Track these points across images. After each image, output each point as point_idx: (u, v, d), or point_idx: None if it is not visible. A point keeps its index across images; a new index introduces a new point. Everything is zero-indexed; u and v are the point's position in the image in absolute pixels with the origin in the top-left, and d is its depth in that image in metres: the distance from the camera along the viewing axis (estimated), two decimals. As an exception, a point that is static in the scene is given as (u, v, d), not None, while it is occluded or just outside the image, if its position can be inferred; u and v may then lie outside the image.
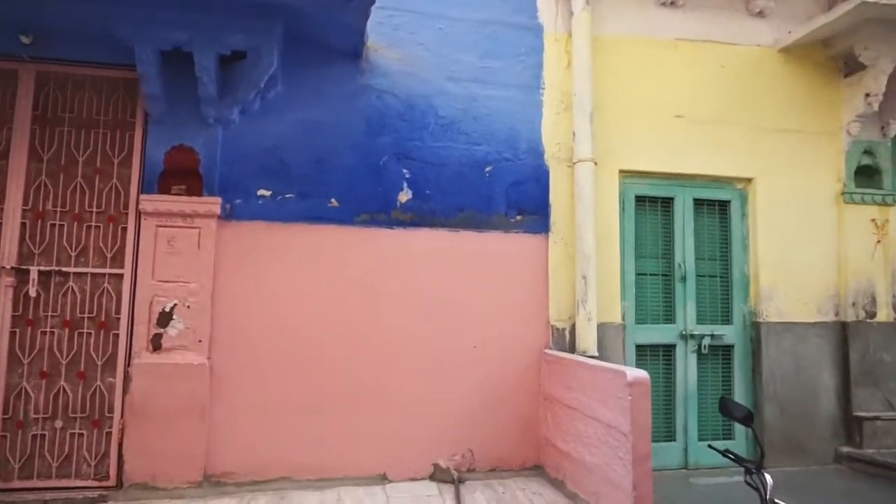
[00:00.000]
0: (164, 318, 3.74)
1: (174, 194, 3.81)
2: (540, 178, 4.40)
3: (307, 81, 4.07)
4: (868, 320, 4.71)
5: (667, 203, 4.67)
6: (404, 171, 4.17)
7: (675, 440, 4.50)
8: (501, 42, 4.41)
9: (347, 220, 4.07)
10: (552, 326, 4.32)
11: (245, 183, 3.94)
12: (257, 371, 3.87)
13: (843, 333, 4.72)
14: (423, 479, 4.04)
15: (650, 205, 4.65)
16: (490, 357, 4.21)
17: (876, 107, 4.65)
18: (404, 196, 4.16)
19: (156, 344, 3.72)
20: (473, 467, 4.12)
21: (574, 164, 4.35)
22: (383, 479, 3.98)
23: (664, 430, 4.48)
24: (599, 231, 4.30)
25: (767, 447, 4.47)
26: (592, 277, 4.21)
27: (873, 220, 4.79)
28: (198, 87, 3.60)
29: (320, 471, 3.89)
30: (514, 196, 4.35)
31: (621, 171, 4.51)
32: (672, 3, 4.64)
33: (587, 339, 4.19)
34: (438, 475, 4.03)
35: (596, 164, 4.30)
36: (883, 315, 4.75)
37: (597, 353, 4.16)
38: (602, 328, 4.27)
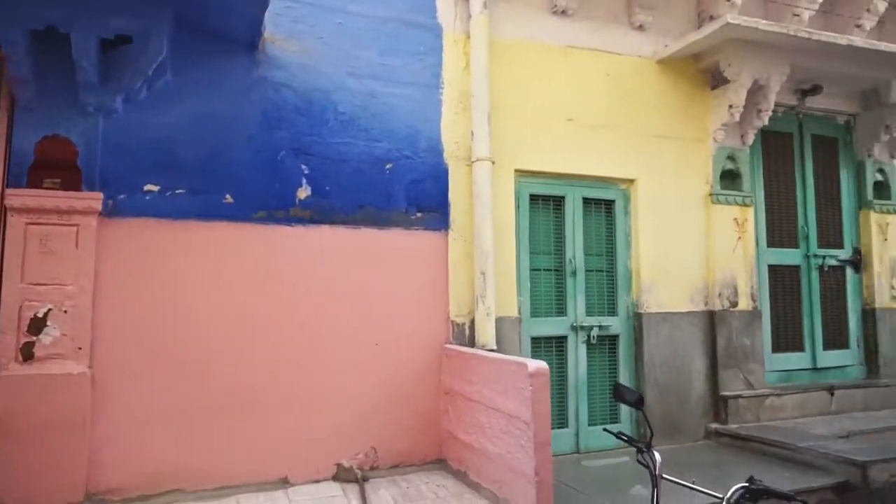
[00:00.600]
0: (37, 325, 3.40)
1: (47, 188, 3.47)
2: (439, 176, 4.46)
3: (200, 71, 3.86)
4: (731, 309, 5.22)
5: (558, 201, 4.90)
6: (303, 166, 4.07)
7: (567, 426, 4.74)
8: (402, 40, 4.42)
9: (244, 216, 3.91)
10: (452, 322, 4.41)
11: (130, 177, 3.67)
12: (146, 377, 3.62)
13: (710, 321, 5.19)
14: (326, 480, 3.98)
15: (543, 203, 4.87)
16: (392, 354, 4.22)
17: (737, 117, 5.15)
18: (303, 192, 4.07)
19: (27, 354, 3.37)
20: (377, 465, 4.12)
21: (472, 162, 4.45)
22: (285, 482, 3.87)
23: (557, 417, 4.71)
24: (497, 228, 4.44)
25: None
26: (491, 273, 4.34)
27: (735, 218, 5.31)
28: (76, 72, 3.30)
29: (218, 478, 3.71)
30: (414, 193, 4.38)
31: (517, 171, 4.68)
32: (563, 11, 4.87)
33: (486, 333, 4.32)
34: (342, 475, 3.98)
35: (493, 163, 4.44)
36: (743, 304, 5.28)
37: (495, 347, 4.30)
38: (500, 322, 4.41)
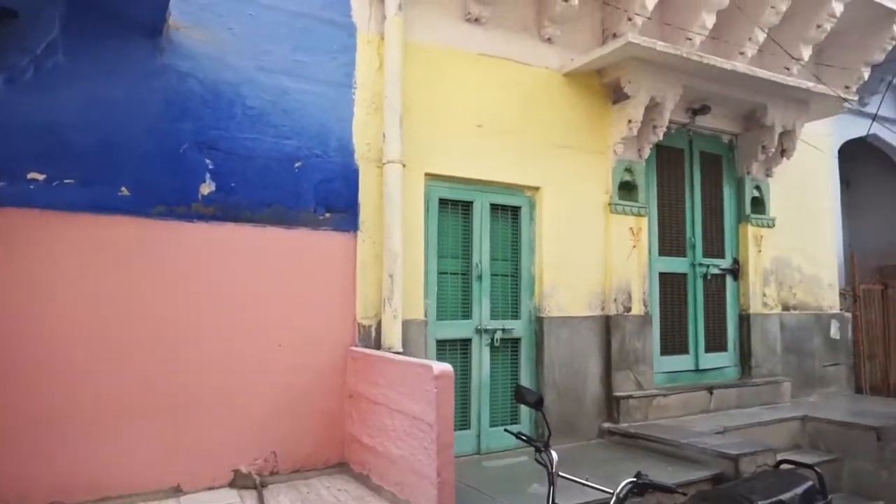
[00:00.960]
0: None
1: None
2: (349, 177, 4.43)
3: (97, 54, 3.60)
4: (625, 314, 5.53)
5: (467, 206, 4.99)
6: (207, 161, 3.91)
7: (469, 428, 4.84)
8: (315, 37, 4.34)
9: (140, 211, 3.70)
10: (359, 324, 4.38)
11: (12, 164, 3.37)
12: (21, 384, 3.34)
13: (606, 325, 5.47)
14: (222, 487, 3.85)
15: (452, 207, 4.94)
16: (296, 356, 4.14)
17: (635, 132, 5.46)
18: (207, 188, 3.91)
19: None
20: (277, 470, 4.03)
21: (383, 164, 4.45)
22: (177, 491, 3.71)
23: (460, 419, 4.79)
24: (406, 231, 4.46)
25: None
26: (399, 276, 4.36)
27: (631, 228, 5.62)
28: (-52, 47, 3.01)
29: (101, 489, 3.50)
30: (323, 193, 4.32)
31: (427, 174, 4.72)
32: (476, 19, 4.97)
33: (393, 335, 4.33)
34: (239, 481, 3.86)
35: (404, 166, 4.45)
36: (636, 309, 5.61)
37: (402, 349, 4.32)
38: (406, 324, 4.44)
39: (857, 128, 8.27)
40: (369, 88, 4.52)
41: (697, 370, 6.22)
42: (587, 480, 2.90)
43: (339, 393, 4.30)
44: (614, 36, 5.44)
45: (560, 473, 2.83)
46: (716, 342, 6.37)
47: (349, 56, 4.47)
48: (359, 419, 4.15)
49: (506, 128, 5.08)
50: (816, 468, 3.47)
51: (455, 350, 4.86)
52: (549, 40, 5.34)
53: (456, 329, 4.87)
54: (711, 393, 5.94)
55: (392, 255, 4.34)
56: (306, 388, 4.17)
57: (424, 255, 4.68)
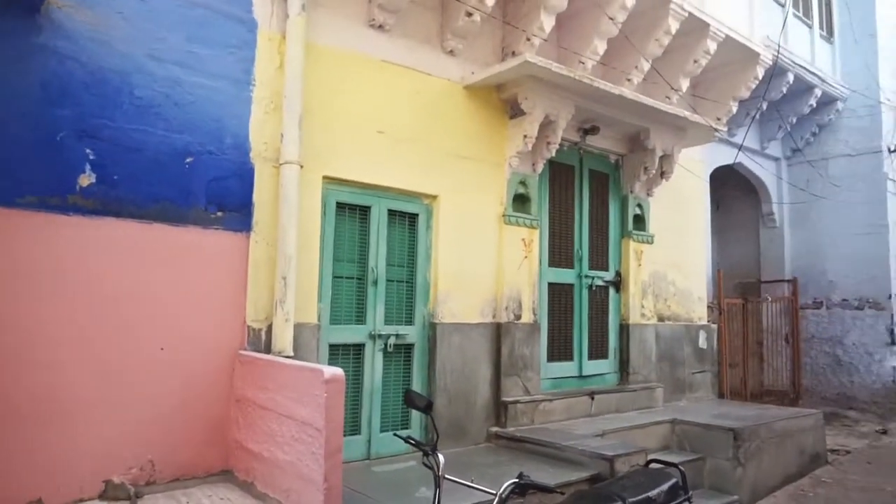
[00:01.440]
0: None
1: None
2: (244, 176, 4.30)
3: (-39, 28, 3.30)
4: (515, 321, 5.74)
5: (364, 211, 5.00)
6: (88, 151, 3.66)
7: (360, 433, 4.83)
8: (213, 29, 4.18)
9: (6, 201, 3.40)
10: (249, 327, 4.26)
11: None
12: None
13: (497, 332, 5.64)
14: (91, 499, 3.59)
15: (350, 212, 4.93)
16: (179, 359, 3.96)
17: (530, 147, 5.70)
18: (86, 179, 3.66)
19: None
20: (154, 479, 3.83)
21: (280, 165, 4.37)
22: (38, 504, 3.43)
23: (351, 424, 4.77)
24: (301, 233, 4.39)
25: (439, 433, 5.11)
26: (292, 279, 4.28)
27: (523, 239, 5.85)
28: None
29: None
30: (215, 191, 4.17)
31: (325, 178, 4.68)
32: (380, 26, 5.00)
33: (284, 339, 4.24)
34: (111, 492, 3.63)
35: (302, 167, 4.39)
36: (526, 317, 5.83)
37: (292, 353, 4.24)
38: (298, 328, 4.37)
39: (726, 156, 9.09)
40: (268, 87, 4.42)
41: (581, 376, 6.55)
42: (472, 482, 2.99)
43: (224, 398, 4.15)
44: (513, 54, 5.66)
45: (446, 476, 2.90)
46: (598, 350, 6.75)
47: (248, 52, 4.35)
48: (245, 425, 4.03)
49: (406, 135, 5.13)
50: (680, 466, 3.75)
51: (348, 355, 4.84)
52: (451, 52, 5.47)
53: (349, 334, 4.85)
54: (593, 398, 6.28)
55: (286, 257, 4.26)
56: (189, 394, 3.99)
57: (320, 259, 4.63)
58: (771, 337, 10.41)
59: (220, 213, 4.17)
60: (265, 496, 3.73)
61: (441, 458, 2.88)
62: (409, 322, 5.20)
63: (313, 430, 3.36)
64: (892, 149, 10.00)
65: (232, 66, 4.28)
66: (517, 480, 2.77)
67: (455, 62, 5.53)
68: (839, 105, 10.22)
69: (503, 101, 5.78)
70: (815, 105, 9.83)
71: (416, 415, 5.04)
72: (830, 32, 10.28)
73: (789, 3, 9.02)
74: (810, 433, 6.93)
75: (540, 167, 5.95)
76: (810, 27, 9.78)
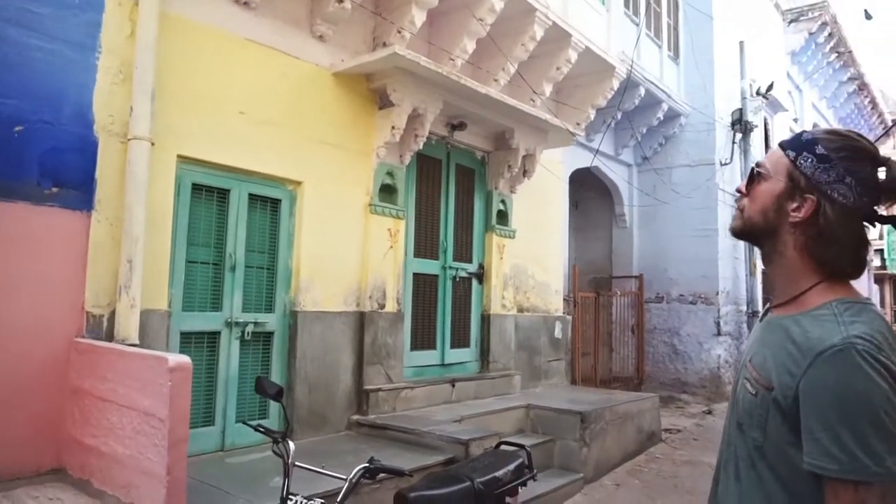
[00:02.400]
0: None
1: None
2: (86, 150, 3.97)
3: None
4: (379, 310, 5.78)
5: (223, 194, 4.80)
6: None
7: (213, 424, 4.64)
8: (51, -14, 3.83)
9: None
10: (88, 313, 3.95)
11: None
12: None
13: (360, 321, 5.65)
14: None
15: (207, 194, 4.71)
16: (3, 348, 3.59)
17: (398, 138, 5.75)
18: None
19: None
20: (-32, 481, 3.44)
21: (128, 140, 4.07)
22: None
23: (204, 414, 4.58)
24: (151, 214, 4.12)
25: (298, 421, 5.05)
26: (139, 262, 4.02)
27: (389, 229, 5.90)
28: None
29: None
30: (50, 165, 3.81)
31: (180, 157, 4.43)
32: (246, 3, 4.81)
33: (128, 326, 3.97)
34: (-88, 497, 3.23)
35: (153, 144, 4.13)
36: (390, 306, 5.89)
37: (138, 341, 3.98)
38: (146, 315, 4.11)
39: (584, 159, 9.73)
40: (117, 55, 4.11)
41: (443, 364, 6.73)
42: (323, 468, 3.00)
43: (58, 390, 3.82)
44: (384, 45, 5.69)
45: (297, 463, 2.89)
46: (460, 339, 6.97)
47: (94, 16, 4.02)
48: (82, 419, 3.74)
49: (270, 118, 4.99)
50: (527, 447, 3.98)
51: (202, 343, 4.63)
52: (320, 38, 5.38)
53: (204, 321, 4.64)
54: (454, 385, 6.48)
55: (132, 239, 3.99)
56: (14, 386, 3.63)
57: (172, 242, 4.39)
58: (619, 328, 11.29)
59: (55, 189, 3.82)
60: (102, 493, 3.49)
61: (292, 445, 2.87)
62: (270, 310, 5.07)
63: (156, 420, 3.19)
64: (724, 162, 11.20)
65: (74, 29, 3.92)
66: (368, 465, 2.82)
67: (324, 48, 5.45)
68: (682, 120, 11.27)
69: (372, 91, 5.78)
70: (662, 118, 10.77)
71: (275, 404, 4.92)
72: (677, 54, 11.30)
73: (642, 23, 9.80)
74: (648, 415, 7.61)
75: (407, 159, 6.02)
76: (660, 47, 10.69)
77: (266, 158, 4.95)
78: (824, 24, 14.49)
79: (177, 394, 3.15)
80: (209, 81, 4.61)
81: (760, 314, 1.44)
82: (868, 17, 22.45)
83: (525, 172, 7.41)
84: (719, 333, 10.83)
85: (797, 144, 1.29)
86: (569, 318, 8.94)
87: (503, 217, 7.47)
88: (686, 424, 8.97)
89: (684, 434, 8.37)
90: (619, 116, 9.75)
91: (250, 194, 4.94)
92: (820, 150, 1.25)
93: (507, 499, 3.59)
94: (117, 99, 4.09)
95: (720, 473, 1.37)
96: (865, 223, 1.25)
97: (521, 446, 4.04)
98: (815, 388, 1.11)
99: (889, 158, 1.23)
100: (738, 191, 1.40)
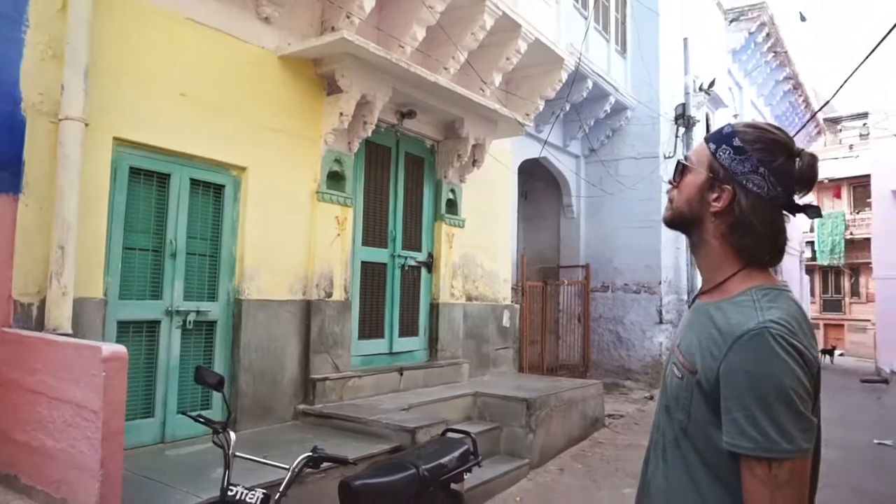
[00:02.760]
0: None
1: None
2: (13, 130, 3.77)
3: None
4: (326, 299, 5.71)
5: (163, 179, 4.63)
6: None
7: (153, 416, 4.51)
8: (-29, -46, 3.60)
9: None
10: (16, 301, 3.77)
11: None
12: None
13: (307, 310, 5.57)
14: None
15: (146, 178, 4.54)
16: (-80, 339, 3.39)
17: (346, 125, 5.67)
18: None
19: None
20: None
21: (60, 120, 3.88)
22: None
23: (143, 406, 4.44)
24: (85, 199, 3.94)
25: (243, 412, 4.96)
26: (72, 248, 3.84)
27: (336, 217, 5.82)
28: None
29: None
30: (-27, 144, 3.61)
31: (117, 139, 4.26)
32: (186, -19, 4.64)
33: (60, 315, 3.80)
34: None
35: (87, 125, 3.94)
36: (337, 295, 5.83)
37: (71, 331, 3.82)
38: (80, 303, 3.94)
39: (533, 150, 9.84)
40: (46, 31, 3.90)
41: (391, 353, 6.72)
42: (266, 458, 2.96)
43: (-19, 383, 3.63)
44: (332, 29, 5.59)
45: (238, 454, 2.85)
46: (409, 328, 6.96)
47: (21, -12, 3.80)
48: (8, 413, 3.57)
49: (213, 102, 4.84)
50: (472, 434, 4.03)
51: (141, 332, 4.48)
52: (266, 20, 5.24)
53: (143, 310, 4.49)
54: (402, 374, 6.48)
55: (64, 224, 3.81)
56: (-67, 378, 3.44)
57: (108, 228, 4.22)
58: (566, 316, 11.52)
59: (-22, 171, 3.61)
60: (31, 490, 3.36)
61: (233, 435, 2.83)
62: (213, 298, 4.94)
63: (89, 412, 3.08)
64: (667, 155, 11.52)
65: (-1, 1, 3.70)
66: (311, 454, 2.80)
67: (270, 31, 5.31)
68: (628, 113, 11.52)
69: (320, 76, 5.68)
70: (609, 111, 10.99)
71: (219, 394, 4.81)
72: (624, 48, 11.52)
73: (591, 16, 9.95)
74: (592, 401, 7.81)
75: (356, 146, 5.95)
76: (608, 41, 10.88)
77: (209, 143, 4.80)
78: (763, 24, 15.02)
79: (111, 385, 3.05)
80: (148, 61, 4.43)
81: (689, 301, 1.50)
82: (803, 19, 23.43)
83: (475, 162, 7.43)
84: (661, 322, 11.18)
85: (718, 137, 1.34)
86: (517, 306, 9.05)
87: (452, 206, 7.48)
88: (629, 410, 9.24)
89: (627, 419, 8.62)
90: (567, 108, 9.88)
91: (192, 179, 4.79)
92: (737, 142, 1.30)
93: (453, 485, 3.63)
94: (47, 77, 3.89)
95: (650, 455, 1.42)
96: (786, 212, 1.31)
97: (467, 433, 4.09)
98: (733, 370, 1.16)
99: (803, 150, 1.29)
100: (670, 182, 1.44)
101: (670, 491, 1.30)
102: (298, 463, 2.77)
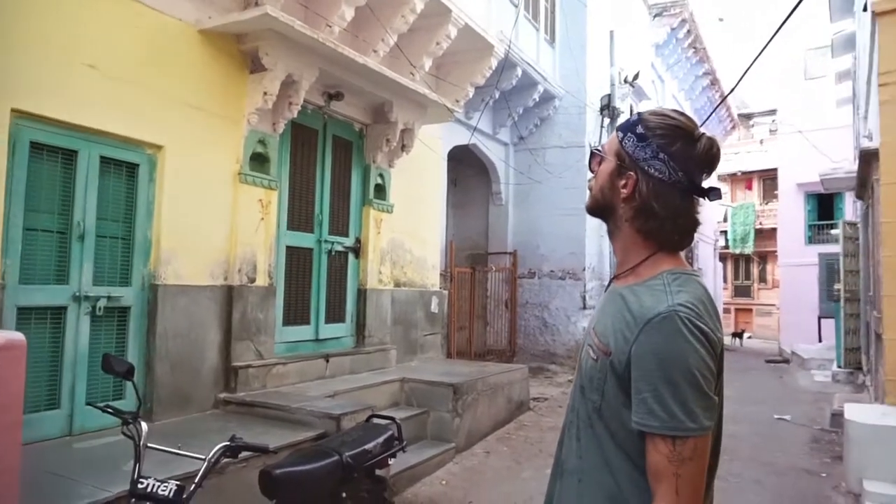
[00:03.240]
0: None
1: None
2: None
3: None
4: (249, 284, 5.54)
5: (70, 156, 4.34)
6: None
7: (59, 407, 4.25)
8: None
9: None
10: None
11: None
12: None
13: (228, 295, 5.39)
14: None
15: (50, 155, 4.24)
16: None
17: (271, 105, 5.48)
18: None
19: None
20: None
21: (-51, 89, 3.57)
22: None
23: (47, 397, 4.18)
24: (-20, 175, 3.66)
25: (160, 401, 4.76)
26: (-35, 229, 3.56)
27: (260, 200, 5.63)
28: None
29: None
30: None
31: (15, 111, 3.94)
32: (95, -56, 4.34)
33: (-49, 301, 3.52)
34: None
35: (-18, 96, 3.65)
36: (261, 280, 5.67)
37: (-37, 318, 3.54)
38: (-26, 289, 3.66)
39: (463, 136, 9.87)
40: (-68, -11, 3.56)
41: (317, 340, 6.61)
42: (180, 448, 2.85)
43: None
44: (256, 4, 5.37)
45: (150, 445, 2.72)
46: (335, 314, 6.87)
47: None
48: None
49: (126, 75, 4.56)
50: (397, 420, 4.02)
51: (44, 319, 4.21)
52: (185, -10, 4.98)
53: (47, 295, 4.21)
54: (328, 360, 6.39)
55: (-45, 202, 3.51)
56: None
57: (5, 207, 3.91)
58: (494, 302, 11.68)
59: None
60: (-83, 489, 3.09)
61: (144, 426, 2.70)
62: (126, 283, 4.69)
63: (-16, 404, 2.85)
64: (592, 145, 11.81)
65: None
66: (228, 444, 2.70)
67: (189, 2, 5.04)
68: (556, 103, 11.73)
69: (243, 53, 5.45)
70: (537, 100, 11.15)
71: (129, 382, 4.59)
72: (553, 38, 11.70)
73: (521, 4, 10.03)
74: (518, 385, 7.97)
75: (281, 127, 5.77)
76: (538, 30, 11.01)
77: (120, 118, 4.52)
78: (684, 20, 15.62)
79: (8, 375, 2.83)
80: (52, 28, 4.11)
81: (605, 285, 1.53)
82: (720, 18, 24.55)
83: (404, 147, 7.37)
84: (585, 307, 11.52)
85: (625, 126, 1.39)
86: (445, 292, 9.09)
87: (381, 191, 7.40)
88: (553, 393, 9.50)
89: (551, 402, 8.86)
90: (497, 96, 9.96)
91: (102, 157, 4.50)
92: (640, 129, 1.34)
93: (378, 471, 3.62)
94: (-67, 40, 3.55)
95: (564, 435, 1.45)
96: (696, 196, 1.35)
97: (392, 419, 4.07)
98: (643, 352, 1.20)
99: (703, 134, 1.34)
100: (591, 170, 1.47)
101: (583, 469, 1.34)
102: (215, 453, 2.67)
